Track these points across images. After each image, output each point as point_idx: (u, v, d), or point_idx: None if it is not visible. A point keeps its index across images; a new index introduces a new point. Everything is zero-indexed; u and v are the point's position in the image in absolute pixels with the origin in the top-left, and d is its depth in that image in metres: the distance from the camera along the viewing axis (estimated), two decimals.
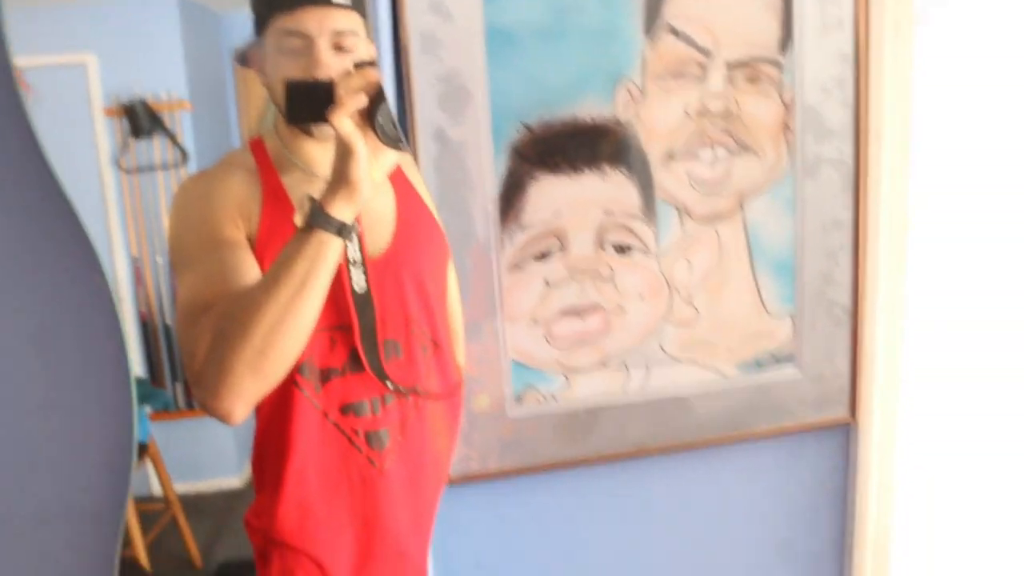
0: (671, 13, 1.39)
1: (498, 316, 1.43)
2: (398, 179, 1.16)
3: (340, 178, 0.91)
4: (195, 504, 3.43)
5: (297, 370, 1.04)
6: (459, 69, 1.34)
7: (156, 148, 3.37)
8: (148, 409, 3.19)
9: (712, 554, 1.64)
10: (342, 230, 0.92)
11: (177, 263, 1.03)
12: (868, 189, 1.50)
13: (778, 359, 1.55)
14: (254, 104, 3.93)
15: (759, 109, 1.46)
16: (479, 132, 1.36)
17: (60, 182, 0.85)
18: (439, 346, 1.16)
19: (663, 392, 1.51)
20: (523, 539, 1.57)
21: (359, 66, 0.91)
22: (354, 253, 1.04)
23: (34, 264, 0.86)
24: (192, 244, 1.01)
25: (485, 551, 1.56)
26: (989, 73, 1.50)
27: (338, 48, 1.00)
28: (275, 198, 1.05)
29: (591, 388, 1.49)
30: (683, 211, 1.47)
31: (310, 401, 1.06)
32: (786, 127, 1.47)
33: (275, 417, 1.07)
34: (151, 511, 3.09)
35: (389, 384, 1.07)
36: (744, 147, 1.46)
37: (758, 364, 1.55)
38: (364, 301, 1.05)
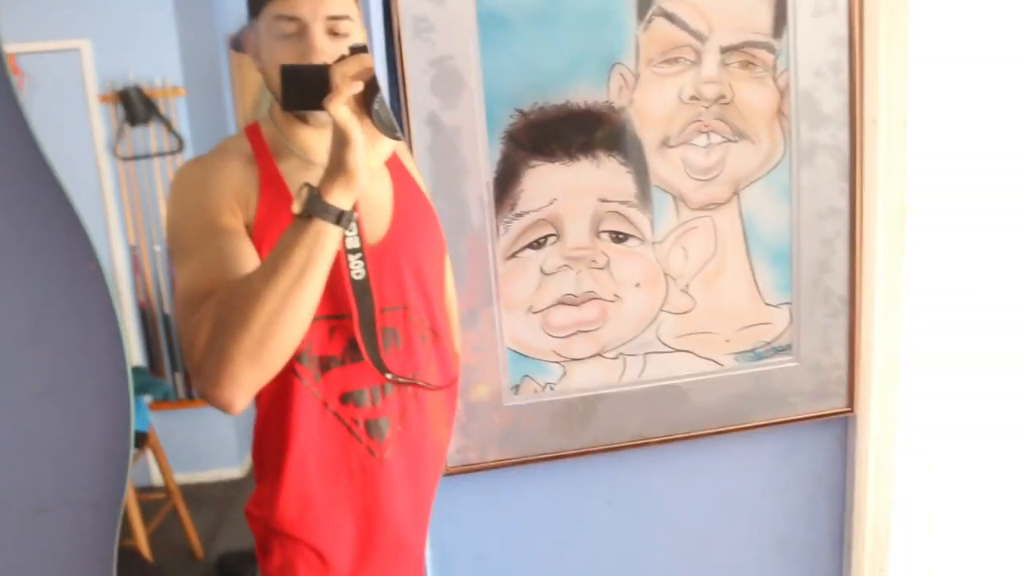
0: None
1: (495, 305, 1.43)
2: (394, 166, 1.15)
3: (337, 166, 0.90)
4: (196, 494, 3.43)
5: (296, 359, 1.04)
6: (452, 53, 1.33)
7: (152, 135, 3.35)
8: (148, 399, 3.18)
9: (709, 544, 1.65)
10: (340, 218, 0.91)
11: (175, 251, 1.03)
12: (864, 176, 1.50)
13: (775, 349, 1.55)
14: (249, 90, 3.90)
15: (753, 95, 1.45)
16: (473, 117, 1.35)
17: (55, 170, 0.85)
18: (438, 335, 1.16)
19: (660, 382, 1.51)
20: (521, 529, 1.57)
21: (354, 51, 0.91)
22: (352, 241, 1.04)
23: (29, 254, 0.86)
24: (190, 232, 1.01)
25: (483, 541, 1.56)
26: (985, 56, 1.48)
27: (333, 33, 1.00)
28: (272, 185, 1.05)
29: (588, 378, 1.49)
30: (679, 198, 1.46)
31: (310, 390, 1.06)
32: (780, 113, 1.47)
33: (275, 406, 1.07)
34: (152, 501, 3.09)
35: (387, 374, 1.07)
36: (739, 133, 1.46)
37: (755, 354, 1.55)
38: (363, 289, 1.05)
